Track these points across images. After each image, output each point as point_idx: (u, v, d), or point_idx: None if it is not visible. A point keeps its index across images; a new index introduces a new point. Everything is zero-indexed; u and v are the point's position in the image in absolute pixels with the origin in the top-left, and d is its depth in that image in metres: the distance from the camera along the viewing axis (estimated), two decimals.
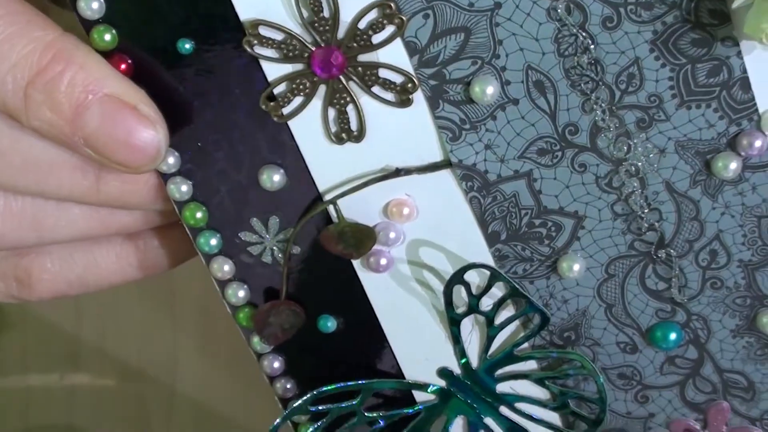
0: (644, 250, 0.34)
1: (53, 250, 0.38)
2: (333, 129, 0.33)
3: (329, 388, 0.37)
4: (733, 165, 0.32)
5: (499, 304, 0.35)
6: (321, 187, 0.34)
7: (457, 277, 0.34)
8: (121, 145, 0.32)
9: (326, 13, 0.31)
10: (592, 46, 0.31)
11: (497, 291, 0.35)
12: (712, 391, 0.36)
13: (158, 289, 0.54)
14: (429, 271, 0.36)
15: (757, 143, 0.31)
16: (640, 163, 0.32)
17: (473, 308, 0.35)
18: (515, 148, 0.33)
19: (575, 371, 0.36)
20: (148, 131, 0.32)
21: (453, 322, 0.36)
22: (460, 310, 0.35)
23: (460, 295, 0.35)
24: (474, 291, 0.35)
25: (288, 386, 0.39)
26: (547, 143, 0.33)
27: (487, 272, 0.34)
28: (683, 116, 0.32)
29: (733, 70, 0.31)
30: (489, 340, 0.36)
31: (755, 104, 0.31)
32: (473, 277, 0.35)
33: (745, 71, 0.31)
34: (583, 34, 0.31)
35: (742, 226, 0.33)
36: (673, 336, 0.35)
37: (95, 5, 0.32)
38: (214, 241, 0.36)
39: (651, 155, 0.32)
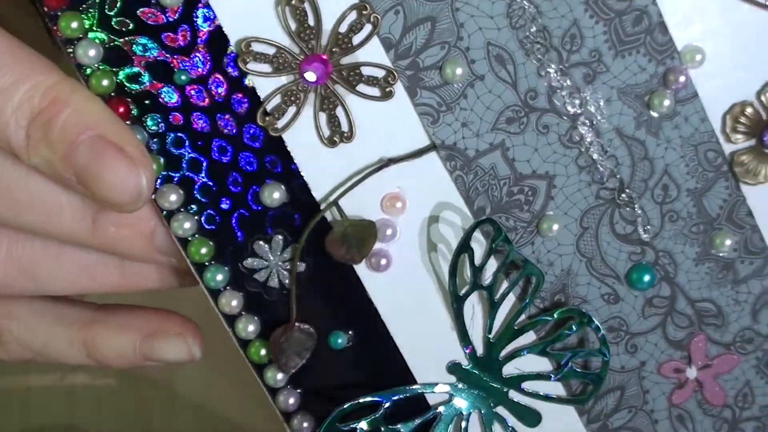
0: (609, 197, 0.39)
1: (21, 317, 0.40)
2: (326, 133, 0.36)
3: (348, 405, 0.39)
4: (667, 102, 0.38)
5: (497, 272, 0.38)
6: (319, 195, 0.37)
7: (465, 243, 0.37)
8: (104, 183, 0.34)
9: (311, 22, 0.35)
10: (538, 15, 0.36)
11: (494, 262, 0.38)
12: (688, 324, 0.40)
13: None
14: (427, 260, 0.38)
15: (681, 78, 0.38)
16: (592, 116, 0.38)
17: (475, 280, 0.38)
18: (487, 121, 0.37)
19: (575, 325, 0.39)
20: (130, 171, 0.34)
21: (456, 303, 0.38)
22: (463, 290, 0.38)
23: (463, 275, 0.38)
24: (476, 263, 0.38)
25: (305, 425, 0.39)
26: (513, 111, 0.37)
27: (492, 231, 0.37)
28: (620, 65, 0.37)
29: (651, 17, 0.37)
30: (491, 318, 0.39)
31: (674, 44, 0.37)
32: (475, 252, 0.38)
33: (661, 16, 0.37)
34: (528, 5, 0.36)
35: (683, 157, 0.39)
36: (647, 277, 0.40)
37: (92, 52, 0.35)
38: (220, 276, 0.37)
39: (600, 105, 0.38)
